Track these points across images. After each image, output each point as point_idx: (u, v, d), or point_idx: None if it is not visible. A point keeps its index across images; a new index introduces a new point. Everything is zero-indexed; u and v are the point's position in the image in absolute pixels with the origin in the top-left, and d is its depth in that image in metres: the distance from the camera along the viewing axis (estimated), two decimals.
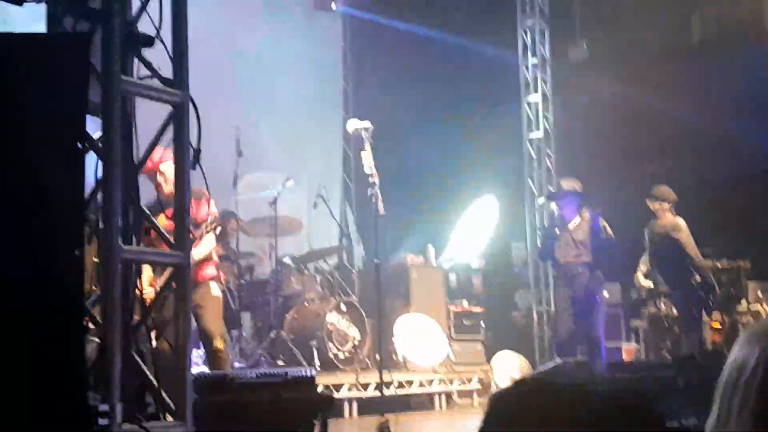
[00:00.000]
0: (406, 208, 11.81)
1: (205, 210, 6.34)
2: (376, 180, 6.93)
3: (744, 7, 10.71)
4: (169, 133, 4.18)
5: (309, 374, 5.06)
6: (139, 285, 4.21)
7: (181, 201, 4.16)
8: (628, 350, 10.71)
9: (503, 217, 12.79)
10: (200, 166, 4.16)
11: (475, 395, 9.61)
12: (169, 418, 4.00)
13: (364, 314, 8.97)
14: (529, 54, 12.34)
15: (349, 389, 8.16)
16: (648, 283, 9.28)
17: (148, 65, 4.08)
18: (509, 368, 9.62)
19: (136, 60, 4.12)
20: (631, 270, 9.44)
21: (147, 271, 5.88)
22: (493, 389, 9.16)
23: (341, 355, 8.62)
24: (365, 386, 8.22)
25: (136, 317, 4.13)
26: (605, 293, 9.07)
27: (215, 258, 6.83)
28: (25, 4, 3.78)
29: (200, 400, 4.26)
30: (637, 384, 5.86)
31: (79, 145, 3.37)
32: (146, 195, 5.37)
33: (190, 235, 4.41)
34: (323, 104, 12.66)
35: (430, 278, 10.44)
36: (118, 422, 3.61)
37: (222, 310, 6.88)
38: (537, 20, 12.32)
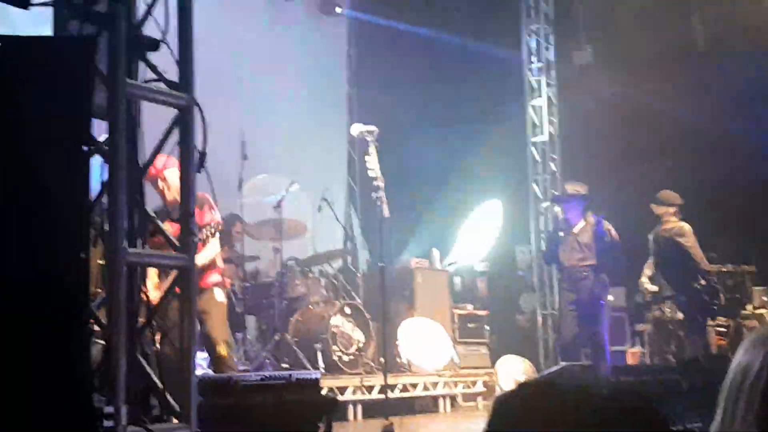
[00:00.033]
0: (410, 211, 11.82)
1: (209, 217, 6.34)
2: (381, 183, 6.94)
3: (745, 9, 10.70)
4: (174, 138, 4.19)
5: (313, 377, 5.07)
6: (144, 288, 4.22)
7: (186, 204, 4.17)
8: (633, 354, 10.69)
9: (508, 220, 12.79)
10: (206, 169, 4.17)
11: (479, 398, 9.61)
12: (174, 421, 4.01)
13: (368, 317, 8.97)
14: (534, 58, 12.34)
15: (354, 392, 8.16)
16: (653, 287, 9.27)
17: (153, 68, 4.09)
18: (513, 372, 9.62)
19: (141, 63, 4.13)
20: (635, 274, 9.43)
21: (152, 276, 5.89)
22: (498, 392, 9.15)
23: (346, 358, 8.62)
24: (370, 389, 8.22)
25: (141, 320, 4.14)
26: (610, 297, 9.06)
27: (220, 264, 6.82)
28: (32, 8, 3.79)
29: (205, 402, 4.27)
30: (641, 387, 5.86)
31: (85, 147, 3.39)
32: (153, 200, 5.40)
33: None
34: (328, 108, 12.67)
35: (434, 282, 10.43)
36: (123, 424, 3.62)
37: (226, 316, 6.89)
38: (541, 24, 12.32)
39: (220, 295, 6.63)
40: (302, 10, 12.38)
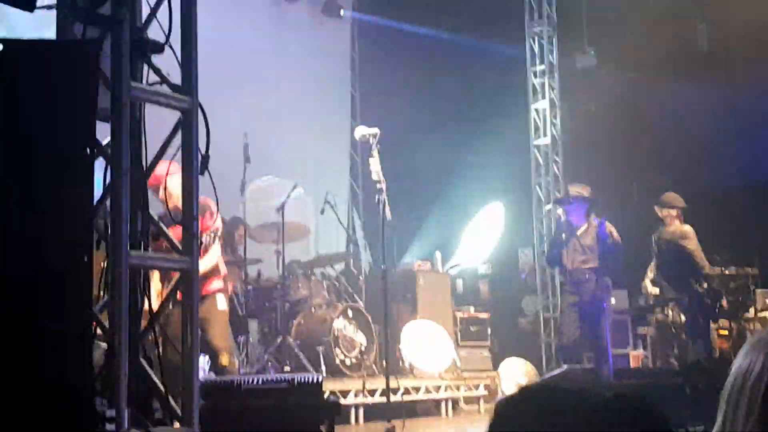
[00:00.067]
0: (413, 214, 11.84)
1: (209, 224, 6.34)
2: (384, 186, 6.94)
3: (749, 13, 10.70)
4: (176, 142, 4.20)
5: (316, 380, 5.07)
6: (146, 295, 4.21)
7: (189, 207, 4.17)
8: (635, 357, 10.69)
9: (510, 223, 12.79)
10: (209, 172, 4.17)
11: (481, 401, 9.59)
12: (176, 424, 4.01)
13: (370, 320, 8.97)
14: (537, 60, 12.35)
15: (356, 395, 8.15)
16: (655, 290, 9.27)
17: (157, 71, 4.10)
18: (516, 374, 9.61)
19: (145, 66, 4.14)
20: (638, 276, 9.43)
21: (156, 282, 5.89)
22: (500, 395, 9.15)
23: (348, 361, 8.62)
24: (372, 392, 8.21)
25: (144, 323, 4.14)
26: (612, 300, 9.05)
27: (223, 269, 6.82)
28: (35, 11, 3.79)
29: (207, 405, 4.27)
30: (643, 390, 5.85)
31: (88, 151, 3.39)
32: (155, 206, 5.39)
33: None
34: (331, 110, 12.68)
35: (437, 284, 10.43)
36: (125, 428, 3.62)
37: (228, 323, 6.89)
38: (545, 27, 12.32)
39: (221, 303, 6.62)
40: (305, 13, 12.40)
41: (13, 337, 3.15)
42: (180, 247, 4.17)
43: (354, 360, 8.70)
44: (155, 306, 4.29)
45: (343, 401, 7.73)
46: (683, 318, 9.19)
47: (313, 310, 8.93)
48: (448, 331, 9.79)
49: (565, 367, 7.66)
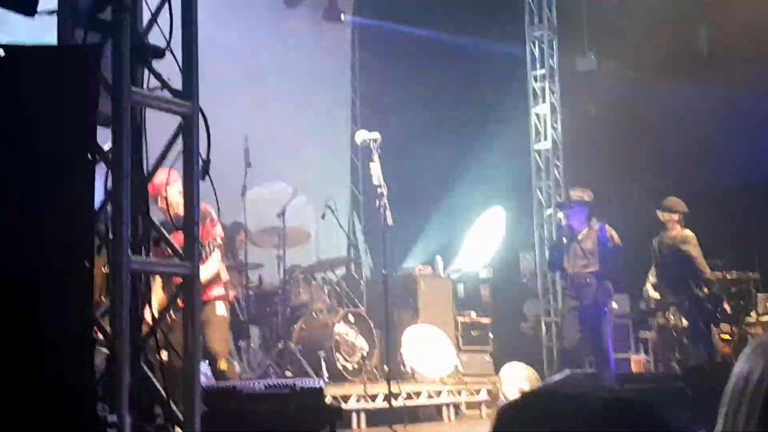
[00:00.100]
0: (414, 219, 11.83)
1: (210, 233, 6.35)
2: (385, 191, 6.95)
3: (749, 15, 10.71)
4: (177, 147, 4.20)
5: (317, 385, 5.06)
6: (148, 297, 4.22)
7: (189, 212, 4.17)
8: (637, 361, 10.67)
9: (511, 227, 12.79)
10: (209, 176, 4.17)
11: (483, 406, 9.58)
12: (178, 430, 4.00)
13: (372, 325, 8.96)
14: (537, 64, 12.36)
15: (358, 400, 8.14)
16: (656, 294, 9.26)
17: (158, 76, 4.10)
18: (517, 379, 9.60)
19: (146, 71, 4.14)
20: (639, 281, 9.42)
21: (158, 290, 5.89)
22: (502, 400, 9.14)
23: (349, 366, 8.62)
24: (373, 397, 8.20)
25: (145, 328, 4.14)
26: (614, 304, 9.05)
27: (224, 276, 6.83)
28: (37, 16, 3.80)
29: (208, 411, 4.26)
30: (645, 395, 5.85)
31: (89, 156, 3.39)
32: (158, 213, 5.40)
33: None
34: (332, 115, 12.69)
35: (438, 289, 10.43)
36: None
37: (227, 329, 6.90)
38: (545, 31, 12.33)
39: (221, 309, 6.62)
40: (306, 18, 12.42)
41: (13, 341, 3.15)
42: (181, 252, 4.17)
43: (355, 365, 8.69)
44: (156, 312, 4.30)
45: (344, 406, 7.72)
46: (685, 322, 9.18)
47: (314, 315, 8.92)
48: (450, 335, 9.79)
49: (566, 371, 7.64)
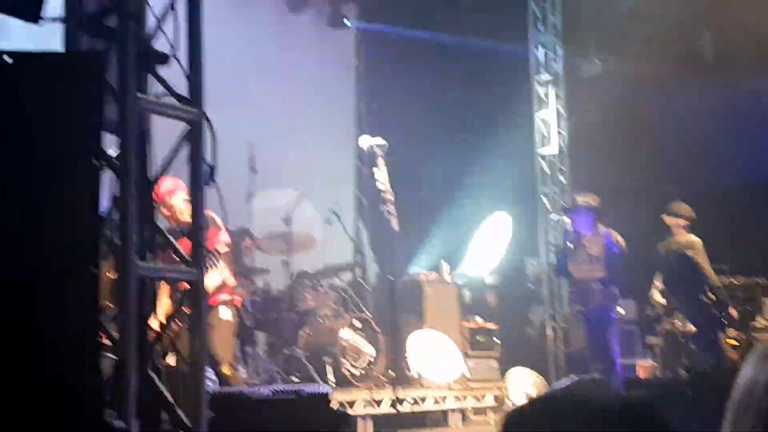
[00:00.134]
0: (419, 224, 11.82)
1: (215, 239, 6.36)
2: (390, 197, 6.95)
3: (754, 22, 10.70)
4: (183, 152, 4.21)
5: (323, 391, 5.06)
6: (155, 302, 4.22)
7: (195, 218, 4.18)
8: (644, 367, 10.64)
9: (517, 233, 12.77)
10: (215, 182, 4.18)
11: (489, 412, 9.56)
12: None
13: (378, 330, 8.96)
14: (542, 69, 12.35)
15: (364, 406, 8.14)
16: (663, 300, 9.24)
17: (163, 83, 4.11)
18: (524, 385, 9.58)
19: (151, 77, 4.15)
20: (646, 286, 9.40)
21: (163, 297, 5.90)
22: (508, 406, 9.12)
23: (355, 372, 8.61)
24: (379, 403, 8.20)
25: (152, 334, 4.14)
26: (620, 309, 9.03)
27: (230, 282, 6.83)
28: (40, 22, 3.81)
29: (215, 417, 4.27)
30: (652, 400, 5.83)
31: (95, 162, 3.40)
32: (164, 221, 5.40)
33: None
34: (336, 121, 12.70)
35: (443, 294, 10.41)
36: None
37: (231, 334, 6.90)
38: (550, 36, 12.33)
39: (224, 313, 6.63)
40: (310, 24, 12.44)
41: (21, 347, 3.16)
42: (187, 258, 4.18)
43: (361, 370, 8.69)
44: (163, 318, 4.30)
45: (350, 412, 7.72)
46: (691, 328, 9.16)
47: (320, 320, 8.92)
48: (456, 341, 9.77)
49: (573, 377, 7.63)
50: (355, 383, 8.49)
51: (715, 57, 11.60)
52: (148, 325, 4.09)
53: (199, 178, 4.14)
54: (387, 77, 12.80)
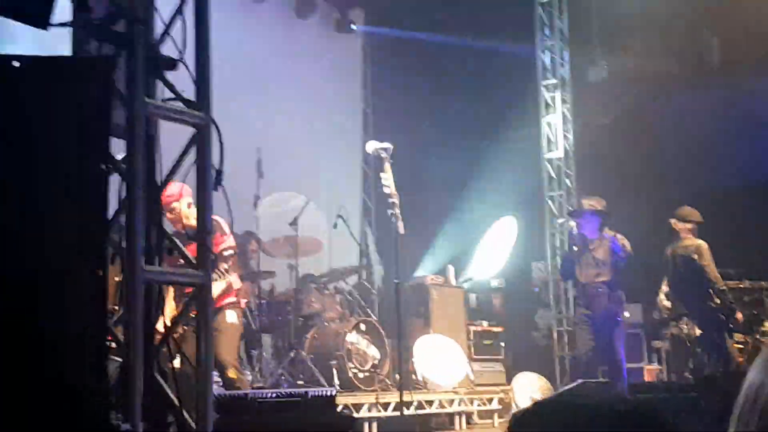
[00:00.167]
0: (425, 228, 11.83)
1: (221, 244, 6.37)
2: (396, 200, 6.96)
3: (760, 27, 10.69)
4: (190, 158, 4.22)
5: (329, 394, 5.07)
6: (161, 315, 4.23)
7: (202, 222, 4.20)
8: (650, 371, 10.63)
9: (523, 237, 12.77)
10: (222, 186, 4.19)
11: (495, 415, 9.57)
12: None
13: (384, 334, 8.96)
14: (549, 74, 12.36)
15: (369, 409, 8.15)
16: (669, 304, 9.23)
17: (171, 87, 4.13)
18: (530, 389, 9.58)
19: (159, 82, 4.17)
20: (652, 290, 9.39)
21: (170, 301, 5.91)
22: (514, 410, 9.12)
23: (361, 375, 8.62)
24: (385, 406, 8.21)
25: (158, 337, 4.16)
26: (626, 313, 9.02)
27: (237, 285, 6.85)
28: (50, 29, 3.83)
29: (221, 420, 4.28)
30: (658, 405, 5.82)
31: (103, 166, 3.42)
32: (170, 225, 5.41)
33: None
34: (343, 125, 12.73)
35: (450, 298, 10.42)
36: None
37: (237, 337, 6.91)
38: (556, 41, 12.34)
39: (231, 317, 6.64)
40: (318, 29, 12.47)
41: (27, 351, 3.17)
42: (194, 261, 4.19)
43: (367, 374, 8.69)
44: (169, 321, 4.31)
45: (356, 415, 7.73)
46: (698, 332, 9.14)
47: (326, 324, 8.93)
48: (462, 345, 9.78)
49: (579, 381, 7.63)
50: (361, 386, 8.50)
51: (720, 60, 11.59)
52: (155, 328, 4.10)
53: (206, 183, 4.15)
54: (393, 82, 12.82)
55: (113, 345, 4.03)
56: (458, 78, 12.74)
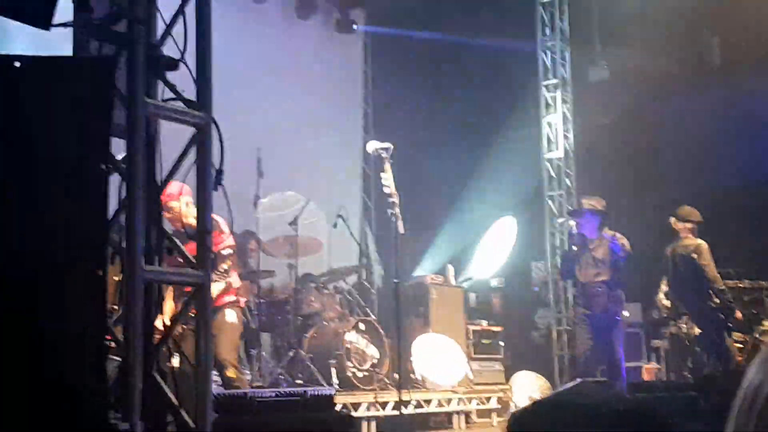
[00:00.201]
0: (425, 227, 11.84)
1: (220, 244, 6.38)
2: (396, 200, 6.96)
3: (761, 27, 10.69)
4: (191, 157, 4.23)
5: (328, 393, 5.08)
6: (161, 315, 4.24)
7: (202, 222, 4.20)
8: (649, 370, 10.64)
9: (523, 236, 12.78)
10: (222, 186, 4.20)
11: (494, 415, 9.57)
12: None
13: (383, 333, 8.97)
14: (550, 74, 12.36)
15: (368, 408, 8.15)
16: (668, 303, 9.24)
17: (171, 87, 4.13)
18: (528, 388, 9.58)
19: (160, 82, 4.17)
20: (651, 290, 9.40)
21: (169, 301, 5.92)
22: (512, 409, 9.13)
23: (360, 374, 8.62)
24: (384, 405, 8.21)
25: (157, 337, 4.16)
26: (625, 313, 9.02)
27: (236, 284, 6.85)
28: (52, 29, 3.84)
29: (220, 419, 4.28)
30: (657, 404, 5.83)
31: (103, 166, 3.43)
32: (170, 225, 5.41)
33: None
34: (343, 125, 12.74)
35: (449, 298, 10.43)
36: None
37: (236, 337, 6.92)
38: (557, 41, 12.35)
39: (230, 316, 6.64)
40: (319, 29, 12.48)
41: (27, 350, 3.18)
42: (194, 261, 4.20)
43: (366, 373, 8.70)
44: (168, 320, 4.32)
45: (355, 414, 7.73)
46: (697, 331, 9.15)
47: (325, 323, 8.94)
48: (461, 344, 9.78)
49: (577, 380, 7.63)
50: (360, 386, 8.51)
51: (720, 60, 11.60)
52: (154, 327, 4.11)
53: (206, 182, 4.16)
54: (394, 81, 12.83)
55: (113, 344, 4.04)
56: (458, 78, 12.74)
